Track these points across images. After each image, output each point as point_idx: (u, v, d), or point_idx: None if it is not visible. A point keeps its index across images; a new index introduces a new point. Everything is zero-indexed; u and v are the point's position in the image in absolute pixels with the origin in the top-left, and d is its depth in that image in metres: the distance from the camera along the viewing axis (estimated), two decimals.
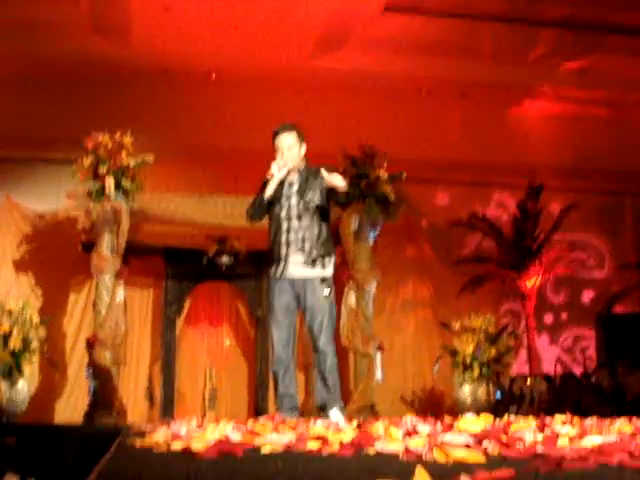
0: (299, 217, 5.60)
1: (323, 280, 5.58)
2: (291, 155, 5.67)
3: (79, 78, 10.26)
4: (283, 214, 5.64)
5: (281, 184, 5.69)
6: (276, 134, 5.72)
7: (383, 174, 9.18)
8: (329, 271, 5.63)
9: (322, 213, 5.66)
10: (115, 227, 8.47)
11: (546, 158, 11.72)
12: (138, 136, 8.76)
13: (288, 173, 5.70)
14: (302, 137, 5.76)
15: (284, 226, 5.62)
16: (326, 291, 5.58)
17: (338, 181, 5.41)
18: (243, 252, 9.49)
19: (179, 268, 10.01)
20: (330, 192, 5.59)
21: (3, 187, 10.35)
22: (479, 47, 10.47)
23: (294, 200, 5.65)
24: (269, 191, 5.64)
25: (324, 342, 5.54)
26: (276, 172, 5.63)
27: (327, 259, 5.62)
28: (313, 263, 5.55)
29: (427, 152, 11.13)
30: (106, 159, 8.45)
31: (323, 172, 5.44)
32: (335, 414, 5.36)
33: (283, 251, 5.59)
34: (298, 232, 5.58)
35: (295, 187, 5.69)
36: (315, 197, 5.63)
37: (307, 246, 5.56)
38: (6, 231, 10.14)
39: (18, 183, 10.43)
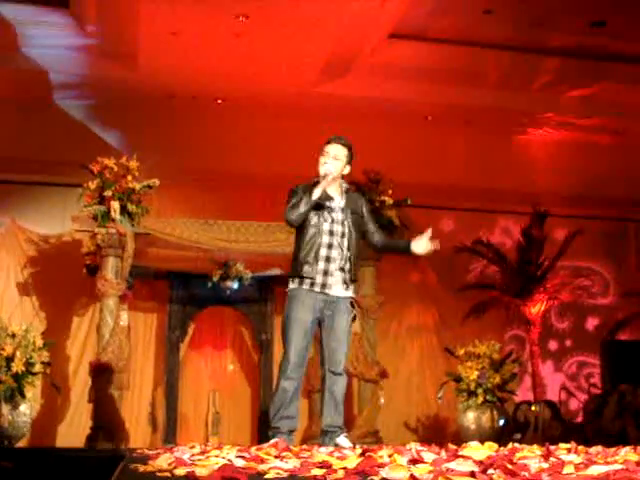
0: (343, 235, 5.44)
1: (352, 304, 5.50)
2: (335, 166, 5.43)
3: (86, 102, 10.31)
4: (325, 227, 5.42)
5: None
6: (330, 141, 5.50)
7: (388, 199, 9.22)
8: (354, 294, 5.58)
9: (358, 238, 5.54)
10: (120, 251, 8.49)
11: (550, 185, 11.75)
12: (144, 160, 8.81)
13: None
14: (351, 157, 5.55)
15: (325, 239, 5.41)
16: (352, 315, 5.51)
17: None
18: (248, 277, 9.50)
19: (183, 292, 10.02)
20: (368, 234, 5.61)
21: (8, 210, 10.38)
22: (484, 74, 10.52)
23: (339, 216, 5.47)
24: (318, 192, 5.35)
25: (343, 366, 5.46)
26: (329, 173, 5.38)
27: (355, 284, 5.57)
28: (347, 285, 5.45)
29: (432, 178, 11.16)
30: (112, 183, 8.48)
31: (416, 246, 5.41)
32: (344, 441, 5.29)
33: (321, 265, 5.38)
34: (342, 250, 5.42)
35: (341, 203, 5.50)
36: (356, 220, 5.51)
37: (347, 267, 5.43)
38: (11, 254, 10.16)
39: (23, 206, 10.46)
